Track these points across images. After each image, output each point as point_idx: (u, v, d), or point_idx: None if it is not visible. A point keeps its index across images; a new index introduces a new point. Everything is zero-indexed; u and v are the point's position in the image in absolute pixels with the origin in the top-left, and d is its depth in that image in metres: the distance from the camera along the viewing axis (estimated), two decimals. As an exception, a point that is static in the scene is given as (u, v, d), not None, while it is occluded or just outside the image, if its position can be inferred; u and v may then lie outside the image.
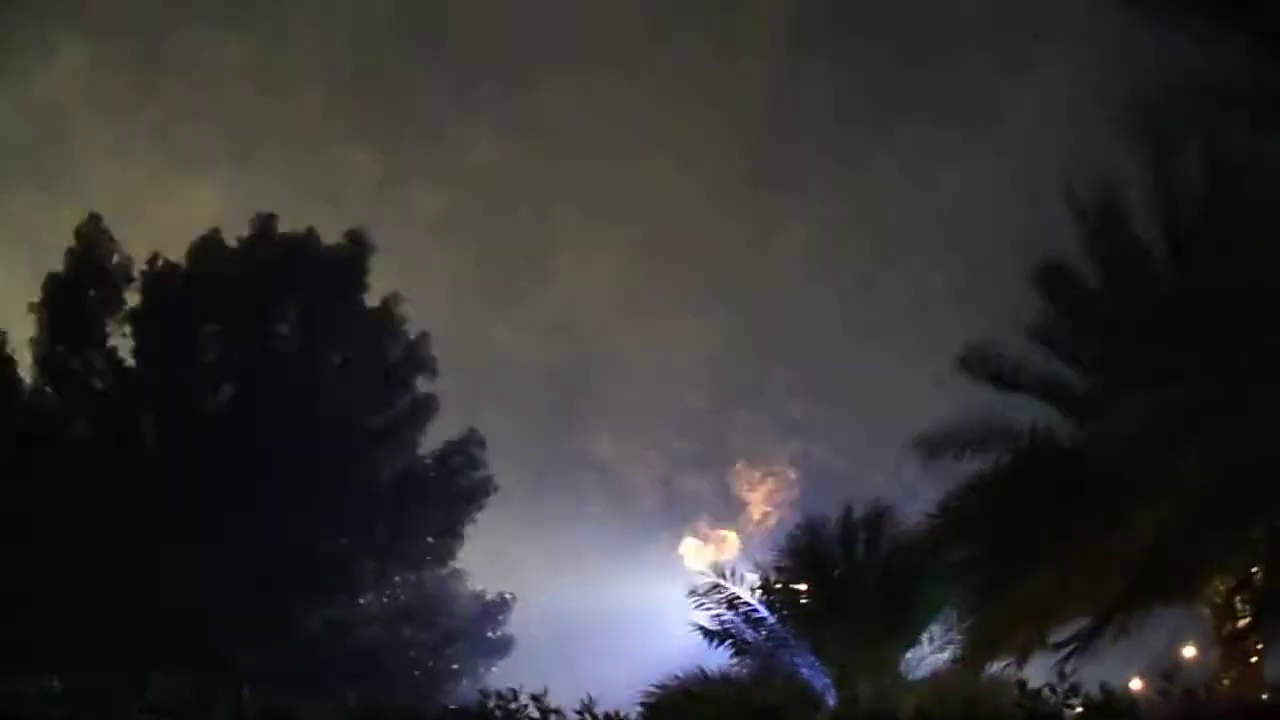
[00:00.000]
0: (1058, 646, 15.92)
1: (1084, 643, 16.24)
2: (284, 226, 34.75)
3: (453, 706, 15.41)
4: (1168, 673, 12.43)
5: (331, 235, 34.86)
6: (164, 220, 40.65)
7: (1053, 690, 11.77)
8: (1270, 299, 16.09)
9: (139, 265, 34.13)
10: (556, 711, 12.72)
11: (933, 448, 21.40)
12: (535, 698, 12.77)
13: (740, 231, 52.96)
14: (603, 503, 37.32)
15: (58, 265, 33.89)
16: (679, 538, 33.70)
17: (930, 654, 24.58)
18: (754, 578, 26.40)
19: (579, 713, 12.72)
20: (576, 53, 52.85)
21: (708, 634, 25.65)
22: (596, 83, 52.30)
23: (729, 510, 47.16)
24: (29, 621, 28.80)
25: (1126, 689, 13.22)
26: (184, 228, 35.68)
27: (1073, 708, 11.67)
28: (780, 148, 51.92)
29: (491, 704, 13.02)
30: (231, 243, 34.52)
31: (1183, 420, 15.13)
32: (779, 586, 26.26)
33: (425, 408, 34.23)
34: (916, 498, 24.08)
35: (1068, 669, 12.97)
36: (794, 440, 46.46)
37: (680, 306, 51.79)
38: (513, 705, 12.92)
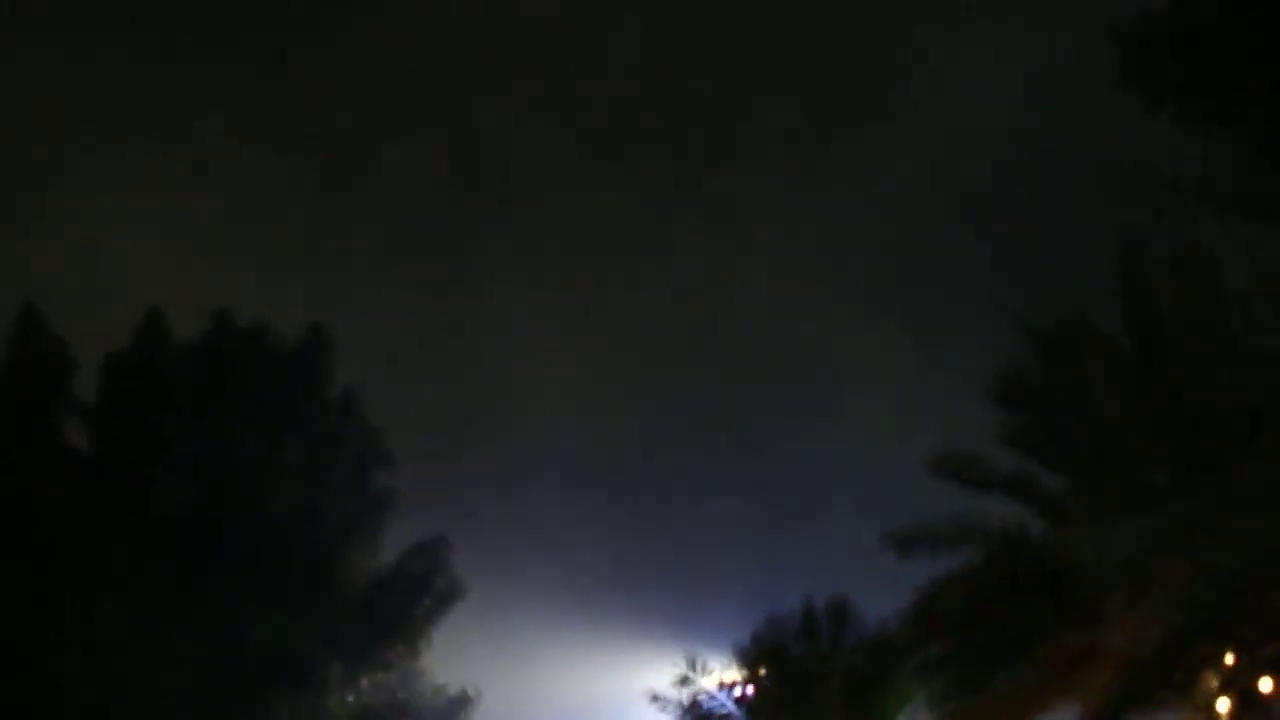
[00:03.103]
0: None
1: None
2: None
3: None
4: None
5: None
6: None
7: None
8: (1251, 405, 16.62)
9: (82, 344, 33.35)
10: None
11: (905, 544, 21.71)
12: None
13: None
14: (566, 596, 37.05)
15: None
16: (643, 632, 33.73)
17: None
18: (719, 670, 26.62)
19: None
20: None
21: None
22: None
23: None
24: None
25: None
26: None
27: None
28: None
29: None
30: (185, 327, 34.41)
31: (1174, 538, 15.50)
32: (744, 683, 26.50)
33: (387, 502, 34.12)
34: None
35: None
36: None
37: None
38: None
